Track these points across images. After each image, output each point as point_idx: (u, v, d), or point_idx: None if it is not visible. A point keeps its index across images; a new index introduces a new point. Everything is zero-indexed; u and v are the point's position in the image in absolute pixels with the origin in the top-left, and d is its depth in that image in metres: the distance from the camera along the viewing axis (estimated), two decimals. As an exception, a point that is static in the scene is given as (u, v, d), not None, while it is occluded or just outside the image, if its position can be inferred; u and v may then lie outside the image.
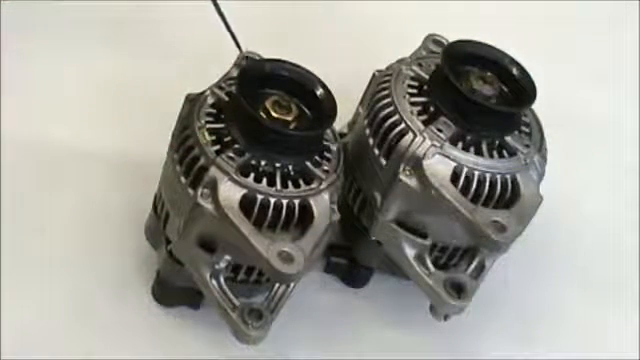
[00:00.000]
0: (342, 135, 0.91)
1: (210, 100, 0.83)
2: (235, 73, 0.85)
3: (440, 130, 0.85)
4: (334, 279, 0.95)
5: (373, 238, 0.89)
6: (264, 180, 0.80)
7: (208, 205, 0.79)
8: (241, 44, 0.86)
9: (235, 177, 0.79)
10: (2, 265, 0.87)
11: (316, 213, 0.80)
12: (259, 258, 0.77)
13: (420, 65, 0.89)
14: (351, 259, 0.94)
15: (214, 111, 0.82)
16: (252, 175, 0.79)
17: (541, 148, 0.88)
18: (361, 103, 0.92)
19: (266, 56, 0.85)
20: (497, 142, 0.86)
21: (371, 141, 0.87)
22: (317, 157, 0.82)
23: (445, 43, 0.91)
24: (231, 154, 0.79)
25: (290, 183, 0.80)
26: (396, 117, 0.86)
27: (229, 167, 0.79)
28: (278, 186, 0.80)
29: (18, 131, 0.95)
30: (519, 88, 0.87)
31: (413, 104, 0.86)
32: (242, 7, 1.08)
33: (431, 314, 0.86)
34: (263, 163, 0.80)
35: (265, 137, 0.79)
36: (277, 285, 0.83)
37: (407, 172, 0.84)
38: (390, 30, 1.10)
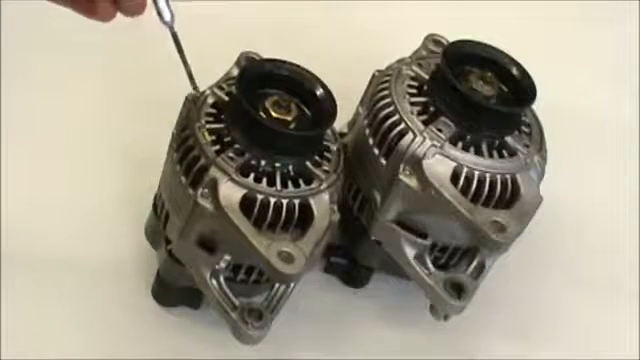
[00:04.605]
0: (342, 135, 0.91)
1: (210, 100, 0.83)
2: (235, 73, 0.85)
3: (440, 130, 0.85)
4: (334, 279, 0.95)
5: (373, 238, 0.89)
6: (264, 180, 0.79)
7: (208, 205, 0.79)
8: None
9: (235, 177, 0.79)
10: (2, 265, 0.87)
11: (316, 213, 0.80)
12: (259, 258, 0.77)
13: (420, 65, 0.89)
14: (351, 259, 0.94)
15: (214, 111, 0.82)
16: (252, 175, 0.79)
17: (541, 148, 0.88)
18: (361, 103, 0.92)
19: (266, 56, 0.85)
20: (497, 142, 0.86)
21: (371, 141, 0.87)
22: (317, 157, 0.82)
23: (445, 43, 0.91)
24: (231, 154, 0.79)
25: (290, 183, 0.80)
26: (396, 117, 0.86)
27: (229, 167, 0.79)
28: (278, 186, 0.80)
29: (17, 130, 0.95)
30: (519, 88, 0.87)
31: (413, 104, 0.86)
32: (242, 7, 1.08)
33: (431, 314, 0.86)
34: (263, 163, 0.80)
35: (265, 137, 0.79)
36: (277, 285, 0.83)
37: (407, 172, 0.84)
38: (390, 30, 1.10)
